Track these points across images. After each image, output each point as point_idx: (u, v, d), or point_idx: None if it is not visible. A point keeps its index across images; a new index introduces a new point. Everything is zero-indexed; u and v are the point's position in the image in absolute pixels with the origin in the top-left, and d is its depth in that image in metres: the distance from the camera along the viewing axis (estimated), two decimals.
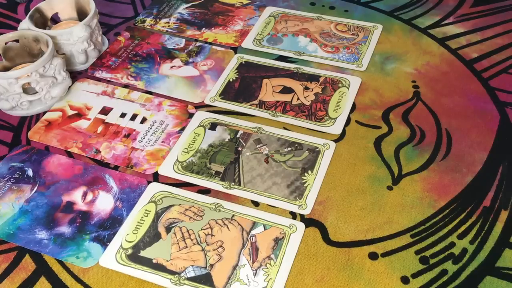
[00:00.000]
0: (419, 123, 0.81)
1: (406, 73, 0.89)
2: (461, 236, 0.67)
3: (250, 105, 0.84)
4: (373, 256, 0.65)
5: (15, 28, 0.96)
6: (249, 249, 0.66)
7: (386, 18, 1.01)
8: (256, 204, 0.71)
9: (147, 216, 0.69)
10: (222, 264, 0.64)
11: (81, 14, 0.95)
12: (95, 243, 0.67)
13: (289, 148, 0.77)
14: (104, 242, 0.67)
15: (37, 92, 0.82)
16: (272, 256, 0.65)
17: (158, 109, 0.84)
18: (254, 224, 0.68)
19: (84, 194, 0.73)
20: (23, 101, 0.82)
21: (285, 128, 0.81)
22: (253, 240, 0.66)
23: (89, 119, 0.83)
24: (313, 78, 0.88)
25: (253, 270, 0.63)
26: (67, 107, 0.85)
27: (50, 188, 0.74)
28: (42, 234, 0.68)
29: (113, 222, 0.69)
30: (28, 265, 0.65)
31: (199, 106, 0.85)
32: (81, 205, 0.71)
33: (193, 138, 0.79)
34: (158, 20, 1.02)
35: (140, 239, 0.67)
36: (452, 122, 0.81)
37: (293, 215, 0.69)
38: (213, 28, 1.00)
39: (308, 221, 0.69)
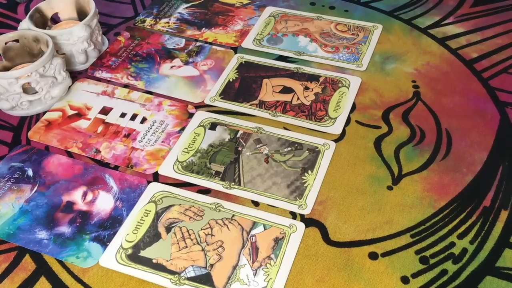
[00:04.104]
0: (419, 123, 0.81)
1: (406, 73, 0.89)
2: (461, 236, 0.67)
3: (250, 105, 0.84)
4: (373, 256, 0.65)
5: (15, 28, 0.96)
6: (249, 249, 0.66)
7: (386, 18, 1.01)
8: (256, 204, 0.71)
9: (147, 216, 0.69)
10: (222, 264, 0.64)
11: (81, 14, 0.95)
12: (95, 243, 0.67)
13: (289, 148, 0.77)
14: (104, 242, 0.67)
15: (37, 92, 0.82)
16: (272, 256, 0.65)
17: (158, 109, 0.84)
18: (254, 224, 0.68)
19: (84, 194, 0.73)
20: (23, 101, 0.82)
21: (285, 128, 0.81)
22: (253, 240, 0.66)
23: (89, 119, 0.83)
24: (313, 78, 0.88)
25: (253, 270, 0.63)
26: (67, 107, 0.85)
27: (50, 188, 0.74)
28: (42, 234, 0.68)
29: (113, 222, 0.69)
30: (28, 265, 0.65)
31: (199, 106, 0.85)
32: (81, 205, 0.71)
33: (193, 138, 0.79)
34: (158, 20, 1.02)
35: (140, 239, 0.67)
36: (452, 122, 0.81)
37: (293, 215, 0.69)
38: (213, 28, 1.00)
39: (308, 221, 0.69)
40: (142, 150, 0.78)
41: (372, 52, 0.93)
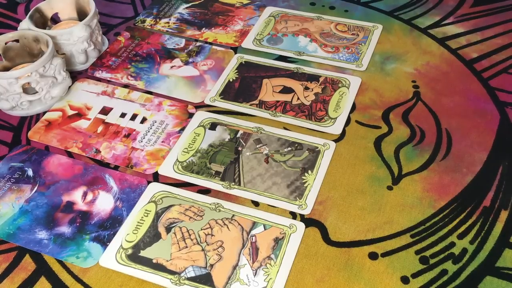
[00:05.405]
0: (419, 123, 0.81)
1: (406, 73, 0.89)
2: (461, 236, 0.67)
3: (250, 105, 0.84)
4: (373, 256, 0.65)
5: (15, 28, 0.96)
6: (249, 249, 0.66)
7: (386, 18, 1.01)
8: (256, 204, 0.71)
9: (147, 216, 0.69)
10: (222, 264, 0.64)
11: (81, 14, 0.95)
12: (95, 243, 0.67)
13: (289, 148, 0.77)
14: (104, 242, 0.67)
15: (37, 92, 0.82)
16: (272, 256, 0.65)
17: (158, 109, 0.84)
18: (254, 224, 0.68)
19: (84, 194, 0.73)
20: (23, 101, 0.82)
21: (285, 128, 0.81)
22: (253, 240, 0.66)
23: (89, 119, 0.83)
24: (313, 78, 0.88)
25: (253, 270, 0.63)
26: (67, 107, 0.85)
27: (50, 188, 0.74)
28: (42, 234, 0.68)
29: (113, 222, 0.69)
30: (28, 265, 0.65)
31: (199, 106, 0.85)
32: (81, 205, 0.71)
33: (193, 138, 0.79)
34: (158, 20, 1.02)
35: (140, 239, 0.67)
36: (452, 122, 0.81)
37: (293, 215, 0.69)
38: (213, 28, 1.00)
39: (308, 221, 0.69)
40: (142, 150, 0.78)
41: (372, 52, 0.93)
